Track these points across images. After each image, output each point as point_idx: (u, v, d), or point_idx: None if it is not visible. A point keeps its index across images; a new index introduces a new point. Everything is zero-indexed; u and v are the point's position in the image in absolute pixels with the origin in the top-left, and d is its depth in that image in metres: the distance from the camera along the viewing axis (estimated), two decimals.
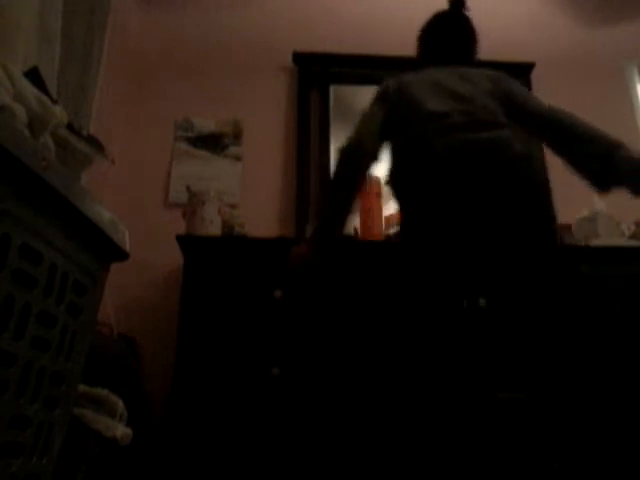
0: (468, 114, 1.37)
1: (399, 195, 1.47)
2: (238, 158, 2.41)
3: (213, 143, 2.42)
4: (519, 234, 1.32)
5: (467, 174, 1.31)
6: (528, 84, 2.62)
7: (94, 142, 0.98)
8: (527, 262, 1.33)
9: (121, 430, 0.97)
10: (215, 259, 1.77)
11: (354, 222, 2.16)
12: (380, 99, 1.55)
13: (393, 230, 2.06)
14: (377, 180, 2.08)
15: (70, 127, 0.90)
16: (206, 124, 2.45)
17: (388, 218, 2.12)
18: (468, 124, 1.34)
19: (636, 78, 2.75)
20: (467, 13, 1.68)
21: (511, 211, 1.31)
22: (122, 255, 0.80)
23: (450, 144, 1.33)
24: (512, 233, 1.32)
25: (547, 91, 2.62)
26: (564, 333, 1.38)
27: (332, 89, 2.58)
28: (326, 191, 1.36)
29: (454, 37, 1.66)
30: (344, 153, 1.50)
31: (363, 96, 2.57)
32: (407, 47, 2.29)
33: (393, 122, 1.49)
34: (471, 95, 1.42)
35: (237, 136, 2.45)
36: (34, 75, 0.88)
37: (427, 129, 1.38)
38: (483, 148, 1.32)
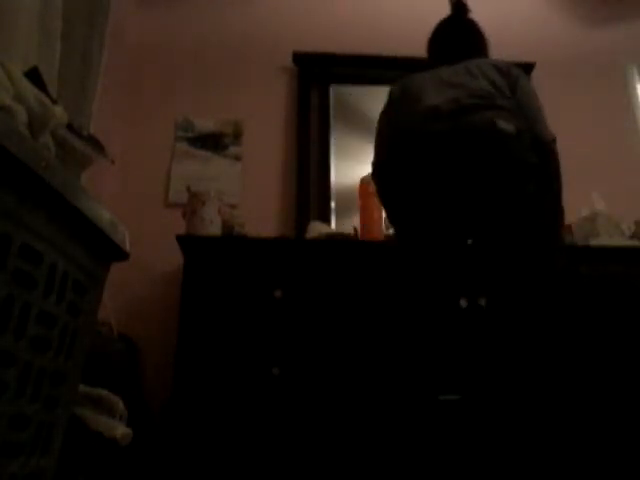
0: (455, 101, 1.38)
1: (383, 188, 1.50)
2: (238, 158, 2.41)
3: (213, 143, 2.42)
4: (501, 218, 1.32)
5: (449, 161, 1.33)
6: None
7: (94, 142, 0.98)
8: (517, 255, 1.33)
9: (121, 430, 0.97)
10: (215, 259, 1.77)
11: (354, 222, 2.17)
12: (384, 110, 1.61)
13: (393, 230, 2.06)
14: None
15: (70, 127, 0.90)
16: (206, 124, 2.45)
17: None
18: (453, 111, 1.36)
19: (636, 78, 2.75)
20: (471, 17, 1.69)
21: (493, 192, 1.31)
22: (122, 255, 0.80)
23: (432, 132, 1.35)
24: (495, 218, 1.33)
25: (547, 91, 2.62)
26: (559, 331, 1.38)
27: (332, 89, 2.58)
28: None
29: (459, 38, 1.67)
30: (373, 176, 1.56)
31: (363, 96, 2.59)
32: (407, 47, 2.30)
33: (395, 121, 1.52)
34: (463, 82, 1.43)
35: (237, 136, 2.45)
36: (34, 75, 0.88)
37: (416, 121, 1.40)
38: (463, 132, 1.33)
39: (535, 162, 1.35)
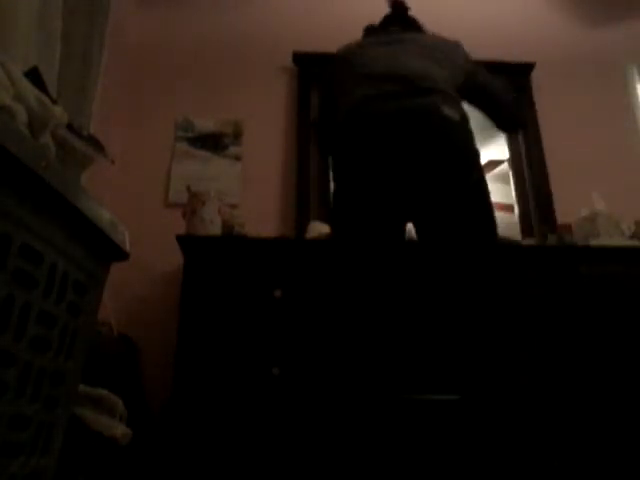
0: (399, 82, 1.39)
1: (332, 155, 1.52)
2: (238, 158, 2.41)
3: (213, 143, 2.42)
4: (440, 195, 1.32)
5: (392, 141, 1.32)
6: (528, 84, 2.62)
7: (94, 142, 0.98)
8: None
9: (121, 430, 0.97)
10: (215, 259, 1.77)
11: None
12: (326, 71, 1.68)
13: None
14: None
15: (70, 127, 0.90)
16: (206, 124, 2.45)
17: None
18: (398, 93, 1.37)
19: (636, 78, 2.75)
20: (411, 14, 1.73)
21: (433, 170, 1.31)
22: (122, 255, 0.80)
23: (377, 112, 1.36)
24: (433, 194, 1.32)
25: (547, 91, 2.63)
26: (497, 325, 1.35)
27: None
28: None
29: (397, 21, 1.71)
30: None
31: None
32: None
33: (336, 85, 1.57)
34: (405, 61, 1.45)
35: (237, 136, 2.45)
36: (34, 75, 0.88)
37: (360, 100, 1.41)
38: (408, 113, 1.33)
39: (476, 149, 1.37)
